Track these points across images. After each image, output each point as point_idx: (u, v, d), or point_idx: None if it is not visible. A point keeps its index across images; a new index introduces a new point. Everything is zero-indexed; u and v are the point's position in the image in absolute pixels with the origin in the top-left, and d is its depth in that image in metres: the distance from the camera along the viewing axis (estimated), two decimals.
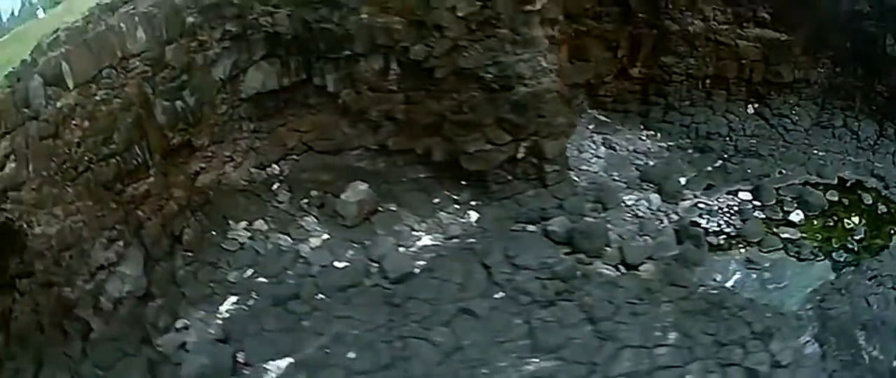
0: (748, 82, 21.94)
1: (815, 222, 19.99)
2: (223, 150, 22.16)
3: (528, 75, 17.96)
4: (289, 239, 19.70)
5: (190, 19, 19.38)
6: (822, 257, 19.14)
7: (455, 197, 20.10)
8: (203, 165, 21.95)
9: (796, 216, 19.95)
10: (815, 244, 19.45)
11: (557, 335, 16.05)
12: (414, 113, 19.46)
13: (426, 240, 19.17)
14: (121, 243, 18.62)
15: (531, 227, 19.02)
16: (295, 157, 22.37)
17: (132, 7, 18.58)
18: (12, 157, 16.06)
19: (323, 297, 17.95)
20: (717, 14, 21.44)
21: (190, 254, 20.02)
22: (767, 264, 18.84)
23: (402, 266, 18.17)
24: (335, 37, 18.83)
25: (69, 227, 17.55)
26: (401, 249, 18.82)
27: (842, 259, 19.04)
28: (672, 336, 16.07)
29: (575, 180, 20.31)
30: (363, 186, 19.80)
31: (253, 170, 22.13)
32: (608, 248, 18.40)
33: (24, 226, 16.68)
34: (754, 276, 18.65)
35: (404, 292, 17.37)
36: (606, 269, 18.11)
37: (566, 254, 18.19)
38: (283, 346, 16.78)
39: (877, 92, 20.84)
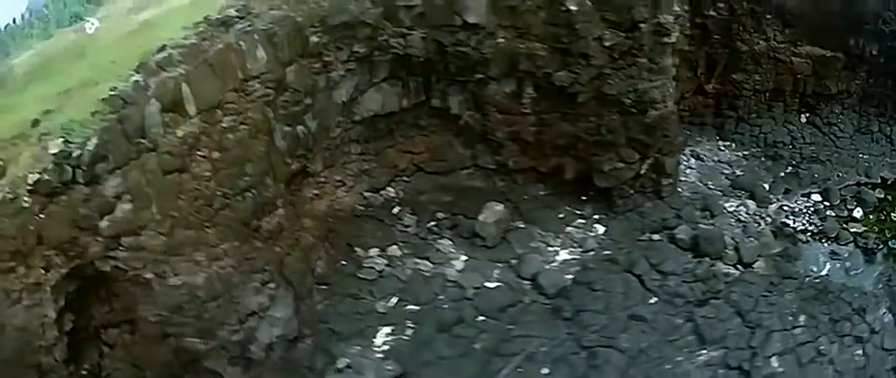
0: (801, 94, 25.18)
1: (871, 217, 23.55)
2: (334, 174, 22.12)
3: (658, 99, 19.78)
4: (429, 263, 20.21)
5: (314, 39, 19.14)
6: (882, 246, 22.65)
7: (579, 211, 21.55)
8: (316, 192, 21.80)
9: (857, 213, 23.36)
10: (875, 235, 22.98)
11: (716, 328, 18.14)
12: (544, 134, 20.68)
13: (564, 254, 20.50)
14: (272, 285, 18.22)
15: (656, 236, 20.91)
16: (405, 178, 22.73)
17: (249, 24, 17.91)
18: (126, 197, 14.89)
19: (485, 318, 18.80)
20: (776, 34, 24.41)
21: (325, 286, 19.97)
22: (846, 255, 22.04)
23: (557, 281, 19.42)
24: (470, 60, 19.62)
25: (216, 273, 16.84)
26: (546, 265, 20.02)
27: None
28: (801, 318, 18.75)
29: (680, 191, 22.43)
30: (499, 207, 20.75)
31: (366, 194, 22.29)
32: (726, 251, 20.68)
33: (152, 276, 15.70)
34: (838, 265, 21.80)
35: (571, 305, 18.63)
36: (728, 268, 20.38)
37: (694, 258, 20.30)
38: (469, 371, 17.47)
39: None
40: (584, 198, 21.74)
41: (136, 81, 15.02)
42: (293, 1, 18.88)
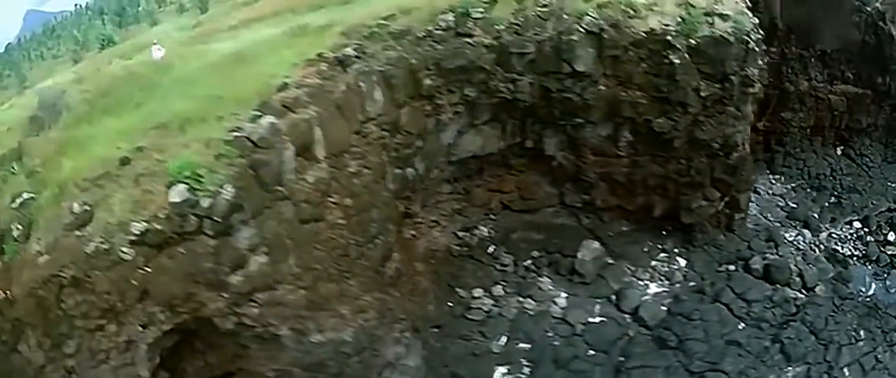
0: (837, 129, 27.81)
1: (893, 237, 26.36)
2: (429, 214, 22.97)
3: (740, 142, 21.67)
4: (532, 301, 21.42)
5: (427, 82, 20.10)
6: None
7: (661, 246, 23.25)
8: (414, 232, 22.58)
9: (892, 236, 26.12)
10: None
11: (798, 347, 20.41)
12: (635, 174, 22.28)
13: (654, 287, 22.15)
14: (408, 334, 18.87)
15: (732, 267, 22.89)
16: (493, 217, 23.76)
17: (365, 64, 18.66)
18: (262, 249, 14.43)
19: (596, 352, 20.19)
20: (817, 75, 26.87)
21: (437, 329, 20.73)
22: (885, 275, 24.69)
23: (655, 312, 21.08)
24: (573, 105, 20.97)
25: (362, 326, 17.09)
26: (642, 298, 21.58)
27: None
28: (861, 333, 21.28)
29: (746, 224, 24.46)
30: (596, 244, 22.25)
31: (460, 233, 23.18)
32: (793, 277, 22.83)
33: (288, 333, 15.46)
34: (881, 284, 24.40)
35: (673, 335, 20.27)
36: (796, 293, 22.57)
37: (769, 285, 22.34)
38: None
39: None
40: (664, 233, 23.48)
41: (271, 123, 14.86)
42: (408, 43, 19.84)
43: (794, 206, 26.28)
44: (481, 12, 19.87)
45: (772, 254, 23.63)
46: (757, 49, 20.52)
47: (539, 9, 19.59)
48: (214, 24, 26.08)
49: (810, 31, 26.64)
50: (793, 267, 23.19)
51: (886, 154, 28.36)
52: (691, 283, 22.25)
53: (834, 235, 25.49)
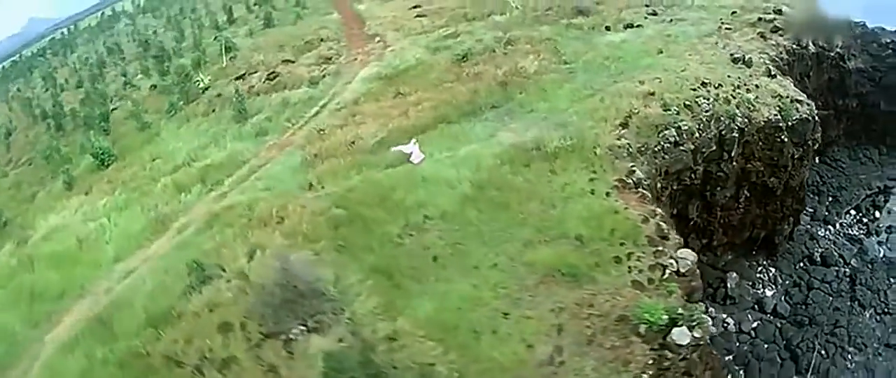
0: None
1: (878, 214, 38.65)
2: None
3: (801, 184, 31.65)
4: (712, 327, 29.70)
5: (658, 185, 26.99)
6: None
7: (755, 262, 32.76)
8: None
9: (877, 214, 38.25)
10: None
11: (864, 299, 31.23)
12: (746, 218, 31.21)
13: (769, 291, 31.61)
14: None
15: (801, 264, 33.19)
16: None
17: None
18: None
19: (768, 344, 29.14)
20: None
21: None
22: (885, 241, 36.47)
23: (784, 307, 30.64)
24: (719, 178, 29.12)
25: None
26: (771, 300, 30.95)
27: None
28: (891, 280, 32.42)
29: None
30: (734, 274, 30.97)
31: None
32: (837, 258, 33.74)
33: None
34: (886, 248, 36.05)
35: (803, 317, 29.87)
36: (843, 268, 33.67)
37: (827, 268, 32.92)
38: None
39: (873, 131, 40.37)
40: (754, 252, 33.06)
41: None
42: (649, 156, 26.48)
43: (812, 210, 37.47)
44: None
45: (818, 247, 34.39)
46: (817, 119, 30.40)
47: (705, 114, 27.40)
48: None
49: None
50: (834, 253, 34.14)
51: (851, 155, 40.70)
52: (787, 281, 32.13)
53: (843, 224, 37.15)
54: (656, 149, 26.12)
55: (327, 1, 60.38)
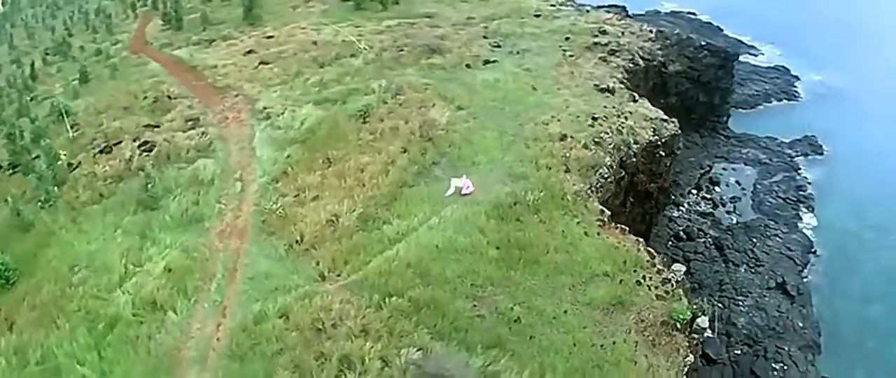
0: None
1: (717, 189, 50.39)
2: None
3: (670, 183, 40.40)
4: None
5: None
6: None
7: None
8: None
9: (716, 188, 49.77)
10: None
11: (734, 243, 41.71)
12: (628, 218, 38.55)
13: None
14: None
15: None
16: None
17: None
18: None
19: None
20: None
21: None
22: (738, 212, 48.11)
23: None
24: (616, 193, 35.65)
25: None
26: None
27: None
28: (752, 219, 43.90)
29: None
30: None
31: None
32: (712, 216, 43.65)
33: None
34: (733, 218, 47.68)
35: None
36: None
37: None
38: None
39: (693, 119, 51.91)
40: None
41: None
42: None
43: None
44: None
45: (678, 227, 45.43)
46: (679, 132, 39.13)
47: (610, 147, 33.49)
48: None
49: None
50: (694, 228, 45.03)
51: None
52: (665, 260, 40.17)
53: (690, 202, 49.97)
54: (598, 186, 31.53)
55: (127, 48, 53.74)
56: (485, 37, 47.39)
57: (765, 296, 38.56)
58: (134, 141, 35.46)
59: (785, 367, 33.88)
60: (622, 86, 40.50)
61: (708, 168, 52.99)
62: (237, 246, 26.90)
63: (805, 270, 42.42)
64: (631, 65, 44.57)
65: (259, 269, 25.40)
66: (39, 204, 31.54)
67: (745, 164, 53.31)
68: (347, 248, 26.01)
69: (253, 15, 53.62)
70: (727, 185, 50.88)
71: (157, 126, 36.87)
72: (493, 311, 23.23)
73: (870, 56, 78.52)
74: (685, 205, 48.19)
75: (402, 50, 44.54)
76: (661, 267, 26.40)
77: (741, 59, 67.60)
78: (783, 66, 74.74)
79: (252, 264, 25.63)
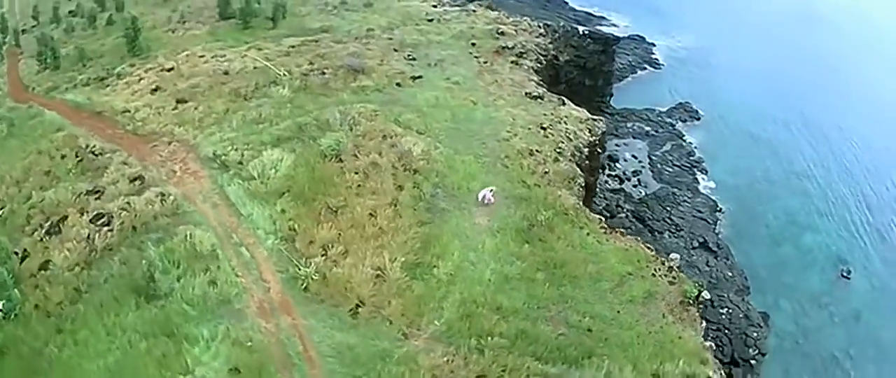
0: None
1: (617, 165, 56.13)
2: None
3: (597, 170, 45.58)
4: None
5: None
6: None
7: None
8: None
9: (616, 164, 55.36)
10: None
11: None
12: None
13: None
14: None
15: None
16: None
17: None
18: None
19: None
20: None
21: None
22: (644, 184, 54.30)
23: None
24: None
25: None
26: None
27: None
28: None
29: None
30: None
31: None
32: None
33: None
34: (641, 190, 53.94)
35: None
36: None
37: None
38: None
39: (583, 97, 57.19)
40: None
41: None
42: None
43: None
44: None
45: (596, 206, 49.28)
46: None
47: (568, 154, 37.04)
48: None
49: None
50: (611, 205, 51.38)
51: None
52: None
53: (607, 172, 53.16)
54: (579, 196, 35.13)
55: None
56: (396, 50, 48.01)
57: (692, 255, 45.88)
58: (82, 214, 31.02)
59: (730, 311, 41.37)
60: (543, 88, 44.34)
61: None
62: (291, 323, 25.85)
63: (717, 227, 50.95)
64: (537, 65, 48.59)
65: (335, 342, 24.97)
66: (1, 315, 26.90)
67: (635, 138, 60.73)
68: (412, 300, 26.68)
69: (139, 46, 47.88)
70: (625, 161, 57.74)
71: (100, 191, 32.45)
72: (567, 327, 26.11)
73: (714, 17, 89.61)
74: (596, 185, 53.73)
75: (324, 73, 43.55)
76: (662, 258, 31.31)
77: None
78: (638, 36, 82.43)
79: (324, 339, 25.09)
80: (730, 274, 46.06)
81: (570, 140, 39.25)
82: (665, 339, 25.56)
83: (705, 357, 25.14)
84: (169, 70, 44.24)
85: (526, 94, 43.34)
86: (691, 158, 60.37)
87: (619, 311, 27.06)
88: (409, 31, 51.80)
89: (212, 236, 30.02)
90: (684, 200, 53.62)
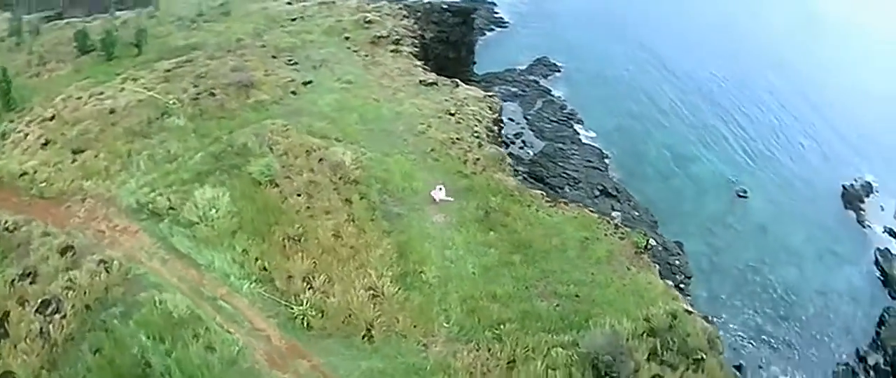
0: None
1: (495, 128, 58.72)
2: None
3: None
4: None
5: None
6: None
7: None
8: None
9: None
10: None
11: None
12: None
13: None
14: None
15: None
16: None
17: None
18: None
19: None
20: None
21: None
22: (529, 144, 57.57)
23: None
24: None
25: None
26: None
27: None
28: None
29: None
30: None
31: None
32: None
33: None
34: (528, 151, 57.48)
35: None
36: None
37: None
38: None
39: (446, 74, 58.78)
40: None
41: None
42: None
43: None
44: None
45: None
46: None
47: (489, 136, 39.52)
48: None
49: None
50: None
51: None
52: None
53: None
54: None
55: None
56: (274, 57, 46.21)
57: (597, 203, 50.37)
58: (23, 306, 27.36)
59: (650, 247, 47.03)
60: (431, 73, 45.96)
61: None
62: (309, 366, 25.71)
63: (609, 173, 56.07)
64: (414, 48, 49.68)
65: (364, 371, 25.34)
66: None
67: (506, 101, 63.10)
68: (416, 311, 27.88)
69: (12, 99, 41.25)
70: (504, 125, 60.38)
71: (33, 273, 28.72)
72: (559, 298, 29.21)
73: None
74: None
75: (214, 94, 41.00)
76: (606, 218, 35.52)
77: None
78: None
79: (352, 372, 25.20)
80: (637, 214, 51.63)
81: (480, 121, 41.74)
82: (639, 287, 29.71)
83: (675, 294, 29.89)
84: (51, 119, 38.79)
85: (419, 81, 44.74)
86: (565, 112, 64.52)
87: (592, 274, 30.65)
88: (279, 35, 50.09)
89: (181, 296, 28.50)
90: (573, 153, 57.95)
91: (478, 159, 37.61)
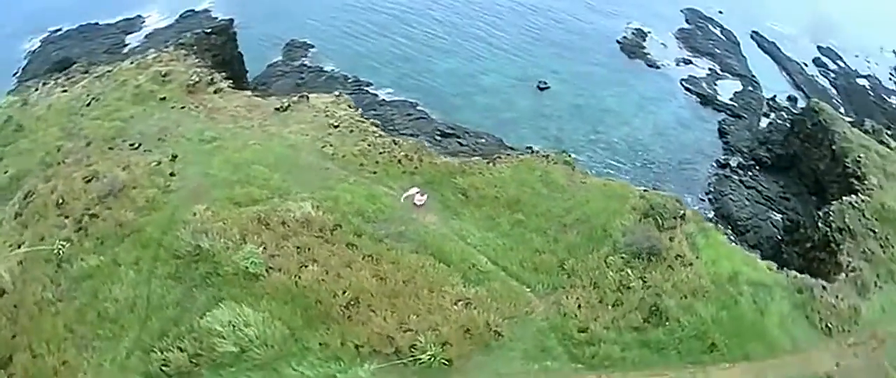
0: None
1: None
2: None
3: None
4: None
5: None
6: None
7: None
8: None
9: None
10: None
11: None
12: None
13: None
14: None
15: None
16: None
17: None
18: None
19: None
20: None
21: None
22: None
23: None
24: None
25: None
26: None
27: None
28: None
29: None
30: None
31: None
32: None
33: None
34: None
35: None
36: None
37: None
38: None
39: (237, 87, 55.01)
40: None
41: None
42: None
43: None
44: None
45: None
46: None
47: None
48: None
49: None
50: None
51: None
52: None
53: None
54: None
55: None
56: (111, 148, 38.83)
57: (440, 144, 54.53)
58: None
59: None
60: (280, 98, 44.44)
61: None
62: None
63: (432, 117, 60.85)
64: (226, 81, 46.25)
65: None
66: None
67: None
68: (505, 296, 31.27)
69: None
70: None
71: None
72: (572, 228, 35.80)
73: None
74: None
75: (95, 215, 33.78)
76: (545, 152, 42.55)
77: None
78: None
79: None
80: (483, 140, 58.10)
81: (360, 122, 43.03)
82: (612, 193, 37.96)
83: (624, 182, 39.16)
84: None
85: (274, 109, 43.10)
86: (349, 81, 65.54)
87: (567, 201, 37.57)
88: (93, 124, 41.43)
89: None
90: (391, 115, 60.30)
91: (406, 154, 39.90)
